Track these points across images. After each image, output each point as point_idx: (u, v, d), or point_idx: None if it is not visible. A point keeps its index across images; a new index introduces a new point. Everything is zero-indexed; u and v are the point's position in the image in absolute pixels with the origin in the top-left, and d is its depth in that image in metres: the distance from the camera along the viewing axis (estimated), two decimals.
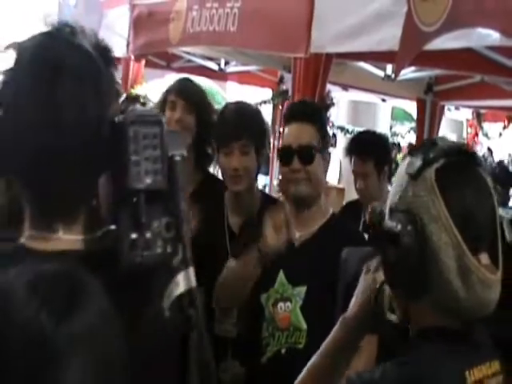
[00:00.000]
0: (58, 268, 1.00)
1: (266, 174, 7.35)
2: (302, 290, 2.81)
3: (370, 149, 4.36)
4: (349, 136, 7.99)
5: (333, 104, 4.39)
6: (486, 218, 1.53)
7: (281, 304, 2.83)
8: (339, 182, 9.57)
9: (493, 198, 1.56)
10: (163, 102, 3.66)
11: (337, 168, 9.50)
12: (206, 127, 3.50)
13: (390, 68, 5.45)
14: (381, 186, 4.29)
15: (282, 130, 6.10)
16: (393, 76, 5.29)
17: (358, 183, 4.34)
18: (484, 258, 1.50)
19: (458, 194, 1.51)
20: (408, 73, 5.54)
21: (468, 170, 1.55)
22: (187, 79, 3.86)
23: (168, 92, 3.69)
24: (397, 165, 3.32)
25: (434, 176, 1.50)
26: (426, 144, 1.57)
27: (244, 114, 3.25)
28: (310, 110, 3.10)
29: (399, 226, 1.50)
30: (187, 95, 3.61)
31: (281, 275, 2.85)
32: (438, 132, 6.27)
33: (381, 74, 5.54)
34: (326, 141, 3.07)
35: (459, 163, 1.54)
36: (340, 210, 4.63)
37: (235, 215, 3.24)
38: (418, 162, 1.52)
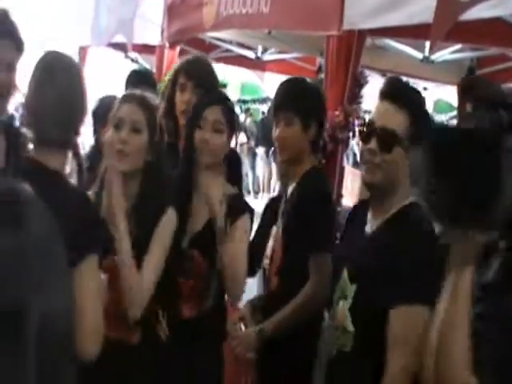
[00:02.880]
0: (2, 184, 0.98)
1: None
2: (353, 288, 2.50)
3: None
4: None
5: (366, 82, 4.22)
6: None
7: (341, 301, 2.53)
8: None
9: None
10: (173, 83, 3.57)
11: None
12: None
13: (428, 50, 5.29)
14: None
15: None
16: (431, 56, 5.12)
17: None
18: None
19: None
20: (446, 54, 5.37)
21: None
22: (197, 58, 3.75)
23: (177, 73, 3.59)
24: None
25: None
26: None
27: None
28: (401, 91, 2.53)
29: None
30: (197, 77, 3.51)
31: (345, 269, 2.54)
32: None
33: (419, 55, 5.38)
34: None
35: None
36: None
37: None
38: None
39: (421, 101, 2.52)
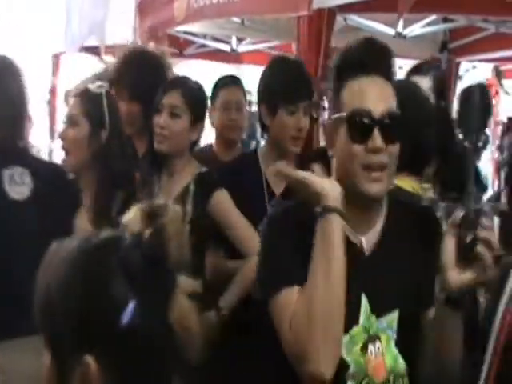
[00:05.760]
0: None
1: None
2: (393, 317, 1.93)
3: None
4: None
5: None
6: None
7: (370, 347, 1.91)
8: None
9: None
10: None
11: None
12: None
13: (401, 25, 5.32)
14: None
15: None
16: (403, 32, 5.15)
17: None
18: None
19: None
20: (418, 28, 5.40)
21: None
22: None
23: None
24: None
25: None
26: None
27: None
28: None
29: None
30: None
31: (364, 304, 1.92)
32: (455, 90, 6.08)
33: (392, 32, 5.40)
34: None
35: None
36: None
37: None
38: None
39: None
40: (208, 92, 3.63)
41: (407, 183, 2.55)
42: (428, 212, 2.15)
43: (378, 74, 1.89)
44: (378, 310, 1.91)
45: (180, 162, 3.15)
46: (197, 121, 3.16)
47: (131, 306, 1.19)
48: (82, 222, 2.77)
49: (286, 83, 3.10)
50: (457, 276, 1.77)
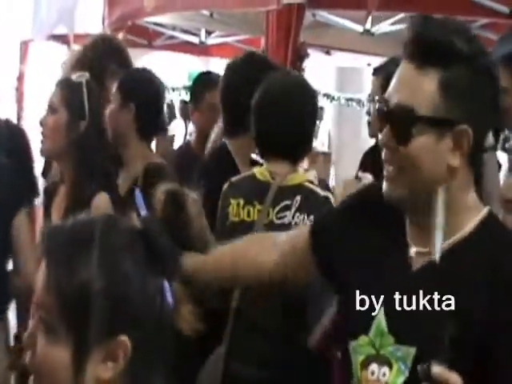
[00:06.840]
0: None
1: None
2: (410, 352, 1.57)
3: None
4: (335, 103, 7.98)
5: (307, 55, 4.26)
6: None
7: (374, 366, 1.62)
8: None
9: None
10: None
11: (325, 137, 9.39)
12: None
13: (369, 23, 5.37)
14: None
15: None
16: (371, 29, 5.19)
17: None
18: None
19: None
20: (386, 25, 5.44)
21: None
22: None
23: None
24: None
25: None
26: None
27: None
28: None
29: None
30: None
31: (380, 317, 1.63)
32: None
33: (360, 29, 5.45)
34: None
35: None
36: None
37: None
38: None
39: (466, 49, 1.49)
40: (174, 83, 3.61)
41: (264, 170, 2.56)
42: None
43: (415, 59, 1.51)
44: (398, 335, 1.59)
45: (128, 153, 3.18)
46: (126, 103, 3.15)
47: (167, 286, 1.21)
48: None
49: None
50: None
